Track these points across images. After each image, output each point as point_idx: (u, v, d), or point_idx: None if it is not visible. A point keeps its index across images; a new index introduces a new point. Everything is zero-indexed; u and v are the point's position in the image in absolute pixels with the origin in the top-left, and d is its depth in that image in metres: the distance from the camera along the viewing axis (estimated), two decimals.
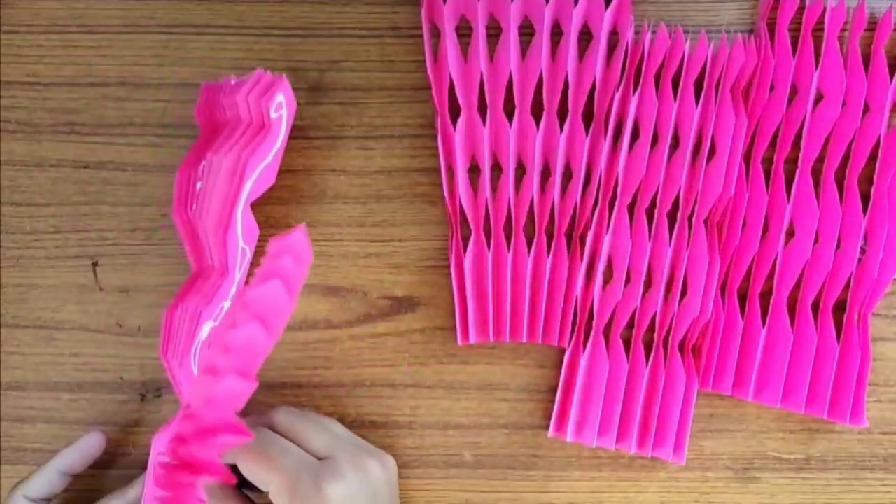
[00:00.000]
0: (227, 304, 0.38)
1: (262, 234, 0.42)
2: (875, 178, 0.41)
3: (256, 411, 0.39)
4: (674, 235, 0.41)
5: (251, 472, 0.35)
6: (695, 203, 0.41)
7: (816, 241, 0.41)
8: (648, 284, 0.41)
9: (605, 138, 0.41)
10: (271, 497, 0.35)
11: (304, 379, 0.42)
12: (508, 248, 0.41)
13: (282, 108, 0.37)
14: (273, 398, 0.42)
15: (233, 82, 0.38)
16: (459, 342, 0.41)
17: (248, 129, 0.38)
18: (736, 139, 0.41)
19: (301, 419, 0.38)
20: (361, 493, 0.35)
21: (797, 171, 0.42)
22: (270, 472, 0.34)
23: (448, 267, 0.42)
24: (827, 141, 0.42)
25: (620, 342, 0.41)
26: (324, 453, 0.36)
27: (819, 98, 0.42)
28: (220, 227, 0.38)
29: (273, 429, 0.37)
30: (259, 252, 0.40)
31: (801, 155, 0.42)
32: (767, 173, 0.42)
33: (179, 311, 0.39)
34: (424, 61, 0.41)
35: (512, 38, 0.41)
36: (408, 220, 0.42)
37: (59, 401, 0.42)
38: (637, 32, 0.42)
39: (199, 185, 0.38)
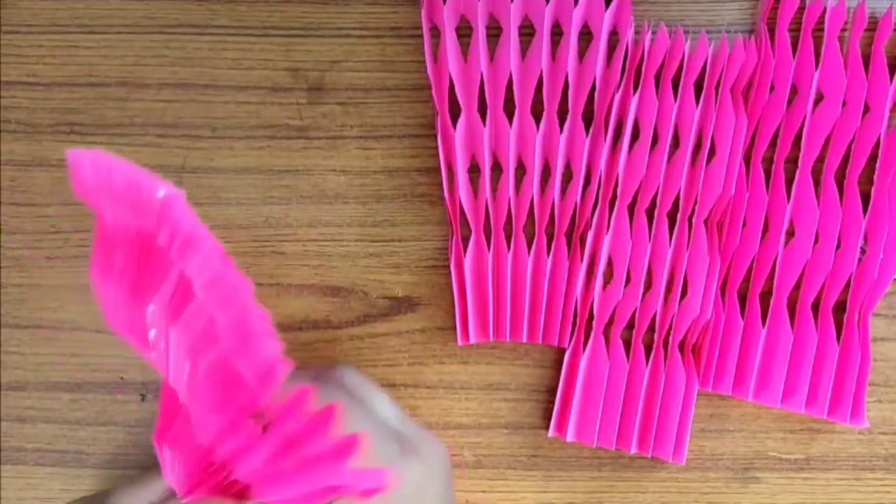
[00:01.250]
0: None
1: (262, 235, 0.42)
2: (875, 178, 0.41)
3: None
4: (674, 235, 0.41)
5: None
6: (695, 203, 0.41)
7: (816, 241, 0.41)
8: (648, 284, 0.41)
9: (605, 138, 0.41)
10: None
11: None
12: (508, 248, 0.41)
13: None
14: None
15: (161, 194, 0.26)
16: (459, 342, 0.41)
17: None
18: (736, 139, 0.41)
19: (368, 384, 0.36)
20: (434, 473, 0.34)
21: (797, 171, 0.42)
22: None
23: (448, 267, 0.42)
24: (827, 141, 0.42)
25: (620, 342, 0.41)
26: (393, 424, 0.34)
27: (819, 98, 0.42)
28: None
29: (340, 386, 0.35)
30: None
31: (801, 155, 0.42)
32: (767, 173, 0.42)
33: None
34: (424, 61, 0.41)
35: (512, 38, 0.41)
36: (408, 220, 0.42)
37: (59, 401, 0.42)
38: (637, 32, 0.42)
39: (151, 332, 0.28)
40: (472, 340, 0.41)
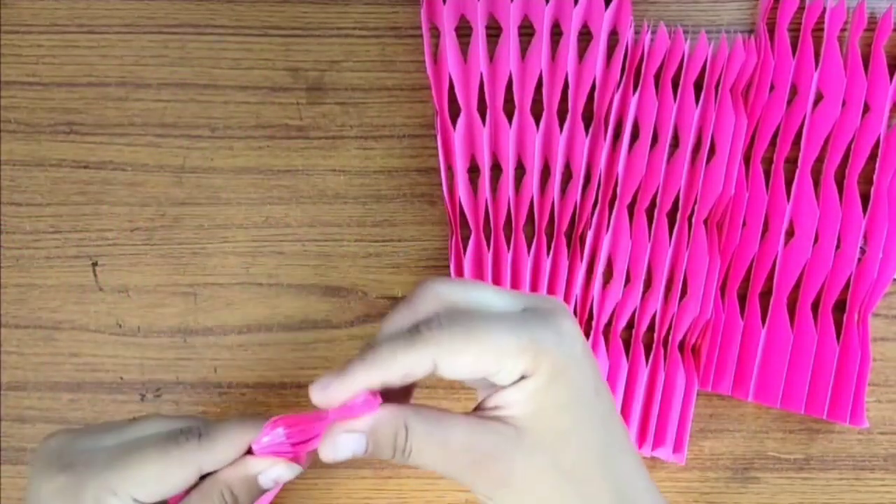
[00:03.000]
0: None
1: (262, 235, 0.42)
2: (875, 178, 0.41)
3: (254, 412, 0.39)
4: (674, 235, 0.41)
5: (469, 366, 0.27)
6: (695, 203, 0.41)
7: (816, 241, 0.41)
8: (648, 284, 0.41)
9: (605, 138, 0.41)
10: (501, 377, 0.28)
11: (305, 379, 0.42)
12: (508, 247, 0.41)
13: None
14: (273, 398, 0.42)
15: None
16: None
17: None
18: (736, 139, 0.41)
19: (463, 286, 0.30)
20: (576, 325, 0.30)
21: (797, 171, 0.42)
22: (502, 343, 0.27)
23: (448, 267, 0.42)
24: (827, 141, 0.42)
25: (620, 342, 0.41)
26: (509, 306, 0.29)
27: (819, 98, 0.42)
28: None
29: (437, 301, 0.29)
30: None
31: (801, 155, 0.42)
32: (767, 173, 0.42)
33: None
34: (424, 61, 0.41)
35: (512, 38, 0.41)
36: (408, 220, 0.42)
37: (59, 401, 0.42)
38: (637, 32, 0.42)
39: (264, 439, 0.30)
40: None
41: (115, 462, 0.29)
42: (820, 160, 0.42)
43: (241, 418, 0.30)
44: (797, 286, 0.41)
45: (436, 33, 0.42)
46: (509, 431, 0.28)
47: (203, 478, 0.30)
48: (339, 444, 0.28)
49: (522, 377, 0.28)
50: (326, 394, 0.27)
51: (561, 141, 0.41)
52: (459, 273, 0.41)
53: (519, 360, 0.27)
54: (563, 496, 0.28)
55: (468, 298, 0.29)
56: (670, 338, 0.41)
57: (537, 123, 0.41)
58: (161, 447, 0.29)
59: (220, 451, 0.29)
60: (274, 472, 0.30)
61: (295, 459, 0.30)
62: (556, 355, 0.28)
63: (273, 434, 0.29)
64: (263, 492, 0.30)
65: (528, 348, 0.27)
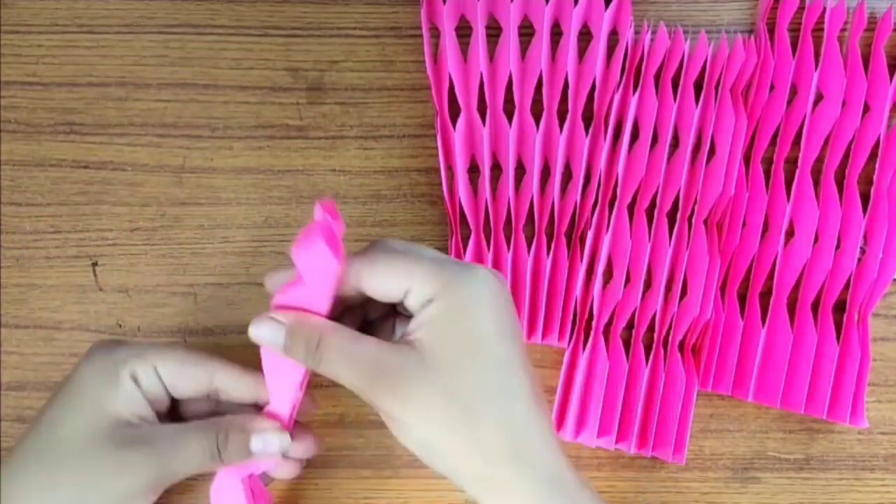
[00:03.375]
0: None
1: (262, 234, 0.42)
2: (875, 178, 0.41)
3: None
4: (674, 235, 0.41)
5: (388, 273, 0.31)
6: (695, 203, 0.41)
7: (816, 241, 0.41)
8: (648, 284, 0.41)
9: (605, 138, 0.41)
10: (411, 300, 0.31)
11: None
12: (508, 248, 0.41)
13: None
14: None
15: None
16: None
17: None
18: (736, 139, 0.41)
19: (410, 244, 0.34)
20: (502, 285, 0.33)
21: (797, 171, 0.42)
22: (417, 270, 0.31)
23: None
24: (827, 141, 0.42)
25: (620, 342, 0.41)
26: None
27: (819, 98, 0.42)
28: None
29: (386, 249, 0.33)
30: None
31: (801, 155, 0.42)
32: (767, 173, 0.42)
33: None
34: (424, 61, 0.41)
35: (512, 38, 0.41)
36: (408, 220, 0.42)
37: None
38: (637, 32, 0.42)
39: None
40: None
41: (152, 346, 0.35)
42: (820, 160, 0.42)
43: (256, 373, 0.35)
44: (797, 286, 0.42)
45: (436, 33, 0.42)
46: (412, 353, 0.31)
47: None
48: (261, 326, 0.32)
49: (430, 302, 0.31)
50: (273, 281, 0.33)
51: (561, 141, 0.41)
52: None
53: (426, 285, 0.31)
54: (451, 428, 0.31)
55: (407, 245, 0.33)
56: (670, 338, 0.41)
57: (537, 123, 0.41)
58: (192, 350, 0.36)
59: (233, 371, 0.35)
60: (266, 435, 0.34)
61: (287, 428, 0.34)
62: (462, 289, 0.31)
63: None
64: (249, 454, 0.34)
65: (437, 276, 0.31)
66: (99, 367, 0.34)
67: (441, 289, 0.31)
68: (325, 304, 0.32)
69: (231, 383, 0.36)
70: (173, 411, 0.37)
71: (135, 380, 0.34)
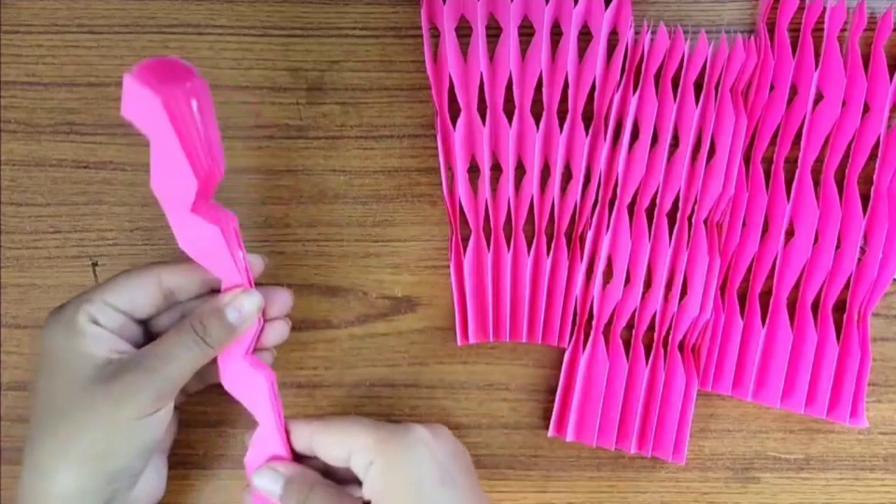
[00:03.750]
0: None
1: (262, 235, 0.42)
2: (875, 178, 0.41)
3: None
4: (674, 235, 0.41)
5: (330, 441, 0.36)
6: (695, 203, 0.41)
7: (816, 241, 0.41)
8: (648, 284, 0.41)
9: (605, 138, 0.41)
10: (354, 463, 0.35)
11: (304, 379, 0.42)
12: (508, 248, 0.41)
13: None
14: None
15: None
16: (459, 343, 0.41)
17: None
18: (736, 139, 0.41)
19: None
20: (449, 443, 0.37)
21: (797, 171, 0.42)
22: (354, 435, 0.35)
23: (448, 267, 0.42)
24: (827, 141, 0.42)
25: (620, 342, 0.41)
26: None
27: (819, 98, 0.42)
28: None
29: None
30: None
31: (801, 155, 0.42)
32: (767, 173, 0.42)
33: None
34: (424, 61, 0.41)
35: (512, 37, 0.41)
36: (408, 220, 0.42)
37: None
38: (637, 32, 0.42)
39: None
40: (472, 341, 0.41)
41: (96, 286, 0.36)
42: (820, 160, 0.42)
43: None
44: (797, 286, 0.42)
45: (436, 33, 0.42)
46: None
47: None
48: (263, 476, 0.36)
49: (371, 464, 0.34)
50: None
51: (561, 141, 0.41)
52: (460, 273, 0.41)
53: (366, 451, 0.35)
54: None
55: (350, 418, 0.37)
56: (670, 338, 0.41)
57: (537, 123, 0.41)
58: (129, 270, 0.36)
59: (175, 268, 0.36)
60: (235, 302, 0.35)
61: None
62: (396, 445, 0.35)
63: None
64: (232, 328, 0.35)
65: (374, 440, 0.35)
66: (59, 327, 0.34)
67: (377, 451, 0.35)
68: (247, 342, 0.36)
69: (178, 279, 0.36)
70: (151, 337, 0.37)
71: (94, 322, 0.34)
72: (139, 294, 0.36)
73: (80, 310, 0.34)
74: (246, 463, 0.37)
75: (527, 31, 0.42)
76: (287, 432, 0.37)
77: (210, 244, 0.34)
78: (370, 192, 0.42)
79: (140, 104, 0.30)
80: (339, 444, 0.36)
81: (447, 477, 0.35)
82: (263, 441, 0.37)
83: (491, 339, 0.41)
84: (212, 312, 0.35)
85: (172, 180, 0.32)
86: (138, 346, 0.35)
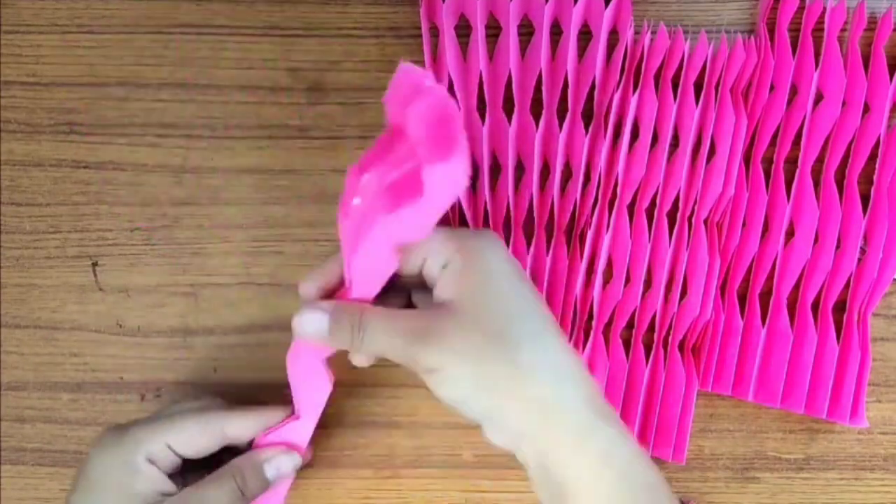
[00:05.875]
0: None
1: (262, 235, 0.42)
2: (875, 178, 0.41)
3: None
4: (674, 235, 0.41)
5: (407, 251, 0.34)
6: (695, 203, 0.41)
7: (816, 241, 0.41)
8: (648, 284, 0.41)
9: (605, 138, 0.41)
10: (428, 266, 0.34)
11: None
12: (507, 246, 0.41)
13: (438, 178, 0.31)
14: (273, 398, 0.41)
15: (427, 84, 0.30)
16: None
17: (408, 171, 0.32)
18: (736, 139, 0.41)
19: None
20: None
21: (797, 171, 0.42)
22: (428, 240, 0.33)
23: None
24: (827, 141, 0.42)
25: (620, 342, 0.41)
26: None
27: (819, 98, 0.42)
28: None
29: None
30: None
31: (801, 155, 0.42)
32: (767, 173, 0.42)
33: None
34: (424, 61, 0.41)
35: (511, 37, 0.41)
36: None
37: (59, 401, 0.42)
38: (637, 32, 0.42)
39: (355, 200, 0.33)
40: None
41: (159, 424, 0.36)
42: (820, 160, 0.42)
43: (259, 406, 0.38)
44: (797, 286, 0.41)
45: (435, 33, 0.42)
46: (442, 309, 0.33)
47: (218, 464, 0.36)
48: (305, 316, 0.34)
49: (447, 265, 0.34)
50: (308, 282, 0.35)
51: (560, 140, 0.41)
52: None
53: (440, 252, 0.34)
54: (492, 359, 0.32)
55: None
56: (670, 338, 0.41)
57: (537, 122, 0.41)
58: (196, 413, 0.37)
59: (243, 419, 0.37)
60: (276, 460, 0.37)
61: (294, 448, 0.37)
62: (473, 245, 0.34)
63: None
64: (267, 483, 0.37)
65: (449, 241, 0.34)
66: (115, 459, 0.35)
67: (454, 251, 0.34)
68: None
69: (242, 431, 0.37)
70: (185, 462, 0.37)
71: (151, 462, 0.35)
72: (201, 441, 0.37)
73: (142, 447, 0.35)
74: (257, 441, 0.38)
75: (527, 31, 0.42)
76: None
77: (313, 380, 0.37)
78: None
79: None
80: (416, 248, 0.34)
81: (518, 271, 0.34)
82: (290, 431, 0.38)
83: None
84: (252, 467, 0.36)
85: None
86: (175, 475, 0.37)
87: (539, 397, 0.32)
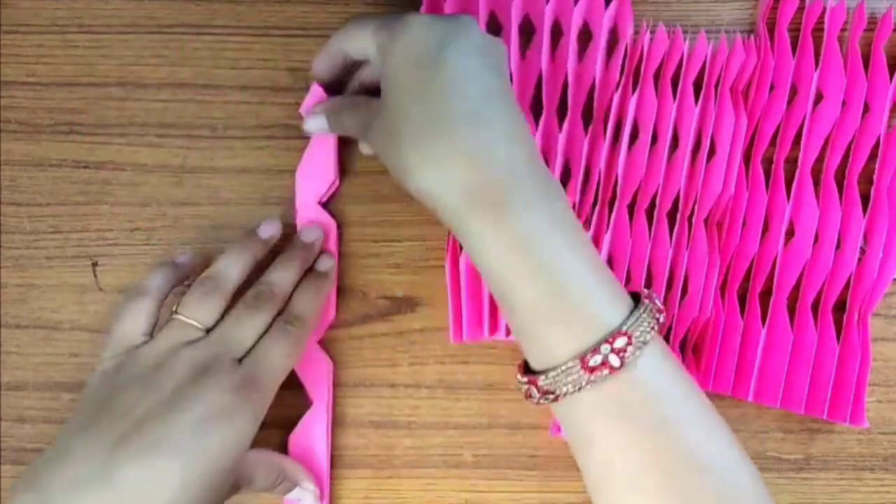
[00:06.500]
0: None
1: None
2: (875, 178, 0.41)
3: None
4: (674, 235, 0.41)
5: (348, 39, 0.37)
6: (695, 203, 0.41)
7: (816, 241, 0.41)
8: (648, 284, 0.41)
9: (605, 137, 0.41)
10: (372, 55, 0.36)
11: None
12: None
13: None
14: (274, 398, 0.42)
15: None
16: (452, 340, 0.41)
17: None
18: (736, 139, 0.41)
19: None
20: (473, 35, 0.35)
21: (797, 171, 0.42)
22: (361, 28, 0.36)
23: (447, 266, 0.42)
24: (827, 141, 0.42)
25: None
26: None
27: (819, 98, 0.42)
28: None
29: None
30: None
31: (801, 155, 0.42)
32: (767, 173, 0.42)
33: None
34: None
35: (512, 37, 0.41)
36: (408, 220, 0.42)
37: (59, 401, 0.42)
38: (636, 32, 0.42)
39: None
40: (466, 338, 0.41)
41: None
42: (820, 160, 0.42)
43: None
44: (797, 286, 0.41)
45: None
46: (387, 94, 0.34)
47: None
48: (310, 122, 0.39)
49: (383, 54, 0.34)
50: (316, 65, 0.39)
51: (560, 140, 0.41)
52: (454, 270, 0.41)
53: (377, 34, 0.35)
54: (435, 137, 0.32)
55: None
56: (670, 338, 0.41)
57: (536, 122, 0.41)
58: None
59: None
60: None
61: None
62: (397, 24, 0.34)
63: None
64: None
65: (383, 26, 0.35)
66: None
67: (387, 33, 0.34)
68: None
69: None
70: None
71: None
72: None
73: None
74: (290, 439, 0.41)
75: (526, 31, 0.42)
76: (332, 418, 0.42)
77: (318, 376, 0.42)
78: (370, 192, 0.42)
79: None
80: (356, 36, 0.36)
81: (452, 45, 0.33)
82: (312, 420, 0.40)
83: (486, 336, 0.41)
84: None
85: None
86: None
87: (483, 185, 0.32)
